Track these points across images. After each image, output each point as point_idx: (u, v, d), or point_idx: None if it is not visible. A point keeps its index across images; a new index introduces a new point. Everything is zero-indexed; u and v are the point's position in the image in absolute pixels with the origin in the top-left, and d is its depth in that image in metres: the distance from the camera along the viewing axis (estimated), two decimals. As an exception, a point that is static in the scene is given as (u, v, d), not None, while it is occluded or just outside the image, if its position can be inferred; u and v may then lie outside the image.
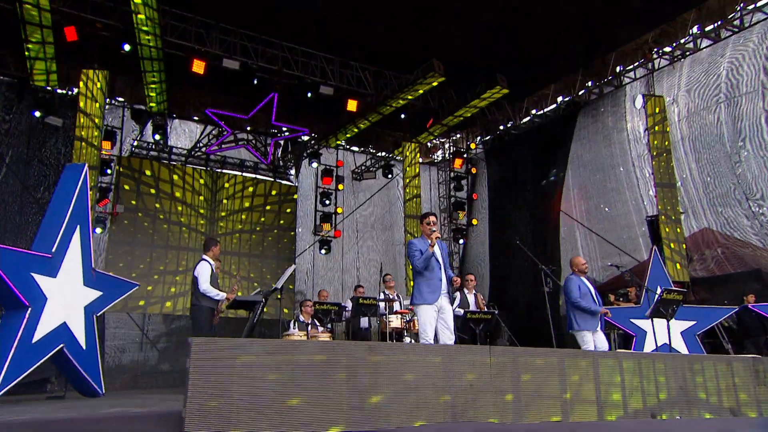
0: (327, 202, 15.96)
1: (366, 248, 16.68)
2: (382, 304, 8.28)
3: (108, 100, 13.73)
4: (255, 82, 12.36)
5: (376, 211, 17.08)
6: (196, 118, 14.79)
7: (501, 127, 16.42)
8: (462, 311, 7.81)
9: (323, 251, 15.64)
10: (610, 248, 13.44)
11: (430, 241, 5.10)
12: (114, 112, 13.96)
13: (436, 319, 5.06)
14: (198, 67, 11.81)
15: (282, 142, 16.02)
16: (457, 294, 8.14)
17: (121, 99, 13.90)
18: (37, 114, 12.03)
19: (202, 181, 14.88)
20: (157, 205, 14.21)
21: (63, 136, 12.90)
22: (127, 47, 11.09)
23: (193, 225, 14.46)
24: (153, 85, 12.51)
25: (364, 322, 8.71)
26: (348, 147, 17.21)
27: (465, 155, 17.04)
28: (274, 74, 12.73)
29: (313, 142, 15.76)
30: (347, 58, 13.47)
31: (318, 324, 8.24)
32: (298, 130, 14.84)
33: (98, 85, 11.41)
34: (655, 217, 11.81)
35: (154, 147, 14.43)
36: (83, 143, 11.29)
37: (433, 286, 5.04)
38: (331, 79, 13.22)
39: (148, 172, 14.26)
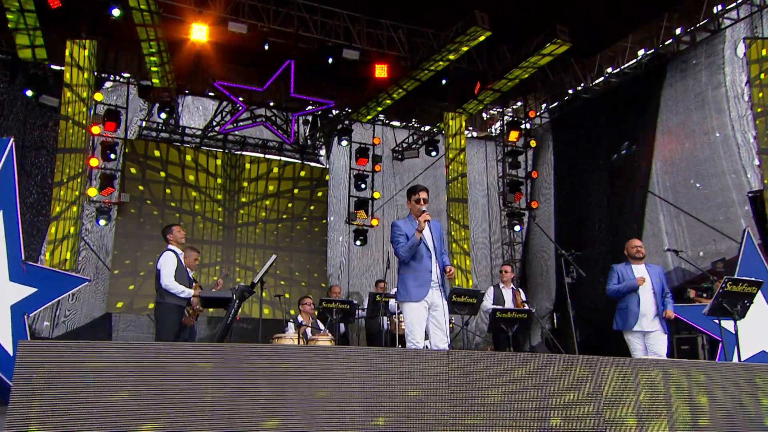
0: (362, 186, 15.18)
1: None
2: (392, 302, 7.85)
3: (113, 76, 13.43)
4: (266, 47, 11.52)
5: None
6: (211, 93, 14.16)
7: (570, 91, 14.91)
8: (491, 307, 7.39)
9: (358, 242, 14.90)
10: (703, 231, 11.83)
11: (417, 224, 4.69)
12: (119, 90, 13.61)
13: (427, 318, 4.71)
14: (199, 33, 11.09)
15: (310, 119, 15.29)
16: (490, 289, 7.72)
17: (126, 75, 13.47)
18: (29, 93, 11.74)
19: (219, 164, 14.44)
20: (168, 191, 13.86)
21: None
22: (116, 12, 10.48)
23: (210, 214, 14.05)
24: (152, 57, 11.91)
25: (385, 323, 8.39)
26: (387, 122, 16.27)
27: (523, 126, 15.62)
28: (288, 38, 11.85)
29: (342, 116, 14.79)
30: (374, 15, 12.42)
31: (321, 325, 7.85)
32: (322, 103, 13.95)
33: (86, 53, 10.88)
34: (759, 192, 10.19)
35: (164, 128, 14.03)
36: (69, 122, 10.82)
37: (421, 278, 4.67)
38: (357, 42, 12.24)
39: (157, 154, 13.89)
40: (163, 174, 13.82)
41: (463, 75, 13.59)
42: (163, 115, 13.09)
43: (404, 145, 16.35)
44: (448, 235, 13.77)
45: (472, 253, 15.50)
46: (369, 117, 14.88)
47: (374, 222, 15.02)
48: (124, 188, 13.17)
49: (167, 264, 6.28)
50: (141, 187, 13.59)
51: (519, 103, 16.64)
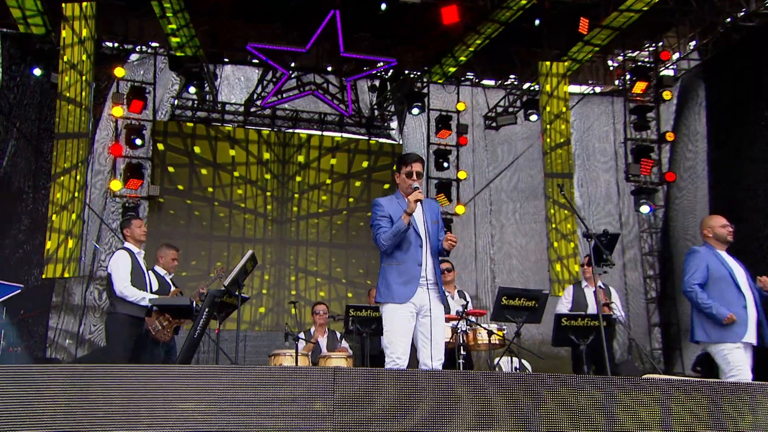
0: (445, 164, 13.71)
1: (505, 228, 14.08)
2: None
3: (139, 47, 12.70)
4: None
5: (519, 172, 14.19)
6: (255, 61, 13.10)
7: (727, 20, 12.23)
8: (565, 313, 6.73)
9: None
10: None
11: (407, 204, 4.33)
12: (146, 63, 12.94)
13: (414, 328, 4.35)
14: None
15: (378, 84, 14.05)
16: (568, 289, 7.28)
17: (155, 44, 12.76)
18: (38, 72, 11.33)
19: (267, 145, 13.65)
20: (206, 181, 13.14)
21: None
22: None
23: (257, 206, 13.29)
24: (169, 15, 10.94)
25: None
26: (477, 81, 14.53)
27: (665, 72, 13.22)
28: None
29: (414, 78, 13.34)
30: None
31: (341, 338, 7.47)
32: (381, 62, 12.53)
33: (86, 14, 10.28)
34: None
35: (200, 105, 13.31)
36: (69, 104, 10.28)
37: (407, 273, 4.32)
38: (415, -22, 10.61)
39: (193, 137, 13.19)
40: (201, 163, 13.19)
41: (563, 10, 11.45)
42: (192, 90, 12.29)
43: (497, 110, 14.45)
44: (547, 222, 11.83)
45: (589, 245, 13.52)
46: (442, 78, 13.36)
47: (460, 209, 13.56)
48: (153, 179, 12.58)
49: (119, 266, 6.03)
50: (174, 177, 12.99)
51: (650, 47, 14.03)
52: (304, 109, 13.84)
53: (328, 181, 13.73)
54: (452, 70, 13.07)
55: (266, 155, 13.52)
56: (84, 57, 10.48)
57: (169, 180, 12.89)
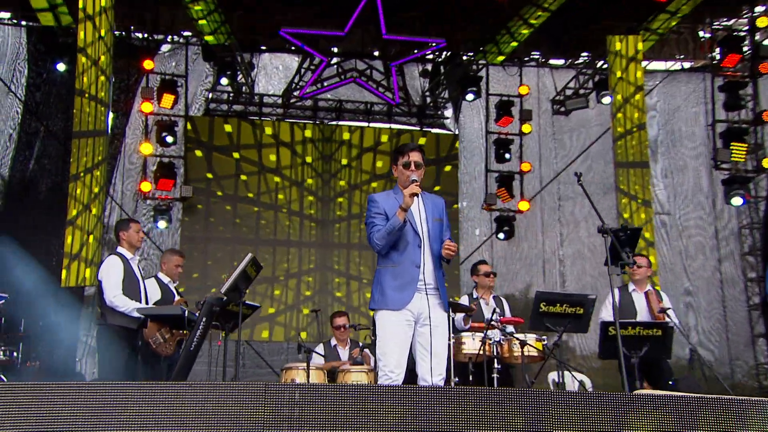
0: (507, 155, 13.03)
1: (576, 227, 13.22)
2: (458, 317, 6.77)
3: (170, 37, 12.55)
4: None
5: (592, 162, 13.30)
6: (294, 48, 12.67)
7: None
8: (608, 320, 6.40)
9: (501, 235, 12.91)
10: None
11: (403, 198, 4.15)
12: (178, 54, 12.67)
13: (411, 339, 4.20)
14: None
15: (430, 69, 13.48)
16: (615, 293, 6.28)
17: (187, 33, 12.52)
18: (61, 67, 11.21)
19: (309, 140, 13.25)
20: (243, 179, 12.85)
21: (117, 98, 11.97)
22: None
23: (299, 207, 13.01)
24: (196, 6, 10.59)
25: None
26: (543, 60, 13.70)
27: (748, 44, 11.95)
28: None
29: (469, 60, 12.72)
30: None
31: (361, 350, 7.10)
32: (428, 44, 11.88)
33: (105, 3, 9.92)
34: None
35: (235, 98, 13.07)
36: (86, 99, 9.88)
37: (403, 276, 4.17)
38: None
39: (228, 129, 12.93)
40: (236, 155, 12.84)
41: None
42: (225, 81, 11.94)
43: (567, 92, 13.58)
44: (619, 218, 11.07)
45: (678, 244, 12.51)
46: (500, 58, 12.53)
47: (524, 205, 12.85)
48: (187, 179, 12.34)
49: (111, 272, 5.94)
50: (209, 176, 12.71)
51: (750, 13, 12.63)
52: (349, 99, 13.41)
53: (375, 184, 13.28)
54: (512, 47, 12.28)
55: (308, 152, 13.18)
56: (102, 49, 10.11)
57: (204, 179, 12.66)
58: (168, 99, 11.87)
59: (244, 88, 12.80)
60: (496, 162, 13.11)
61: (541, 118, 13.59)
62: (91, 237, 9.84)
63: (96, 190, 9.92)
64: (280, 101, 13.20)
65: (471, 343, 6.37)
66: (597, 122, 13.44)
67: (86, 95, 9.93)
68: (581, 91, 13.42)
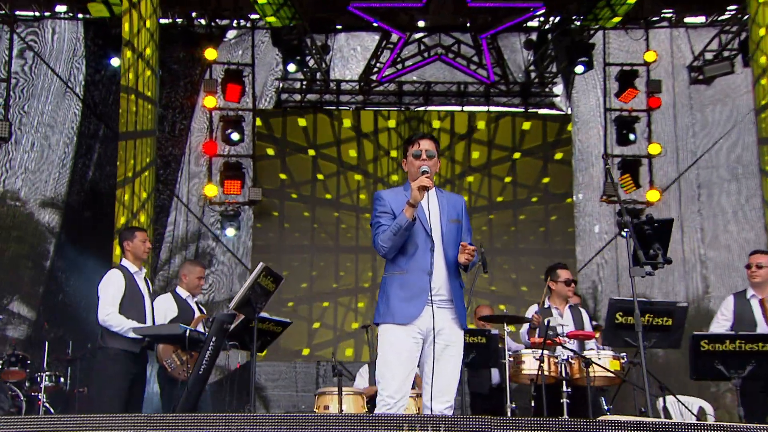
0: (631, 136, 12.13)
1: (723, 220, 11.96)
2: (523, 330, 6.85)
3: (236, 22, 12.26)
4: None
5: (741, 141, 11.99)
6: (376, 24, 12.15)
7: None
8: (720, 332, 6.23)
9: (626, 232, 11.35)
10: None
11: (411, 192, 4.01)
12: (244, 42, 12.41)
13: (418, 359, 4.10)
14: None
15: (535, 39, 12.50)
16: (730, 300, 6.64)
17: (254, 16, 12.20)
18: (116, 62, 11.11)
19: (393, 130, 12.76)
20: (321, 179, 12.43)
21: (180, 93, 12.09)
22: None
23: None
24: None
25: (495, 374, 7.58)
26: (676, 19, 12.43)
27: None
28: None
29: (579, 26, 11.68)
30: None
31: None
32: (522, 10, 11.10)
33: None
34: None
35: (309, 86, 12.72)
36: (132, 97, 9.68)
37: (411, 285, 4.05)
38: None
39: (303, 124, 12.61)
40: (312, 152, 12.55)
41: None
42: (292, 68, 11.54)
43: (707, 55, 12.26)
44: (765, 207, 9.73)
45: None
46: (616, 18, 11.47)
47: (653, 195, 12.00)
48: (257, 181, 12.11)
49: (108, 287, 5.88)
50: (282, 177, 12.45)
51: None
52: (438, 80, 12.79)
53: (470, 178, 12.66)
54: (623, 9, 11.14)
55: (393, 143, 12.76)
56: (146, 39, 9.93)
57: (276, 180, 12.44)
58: (233, 91, 11.78)
59: (318, 75, 12.41)
60: (618, 145, 12.37)
61: (674, 89, 12.51)
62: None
63: (144, 195, 9.80)
64: (357, 87, 12.79)
65: (532, 362, 6.07)
66: (746, 90, 11.96)
67: (132, 93, 9.79)
68: (725, 54, 12.07)
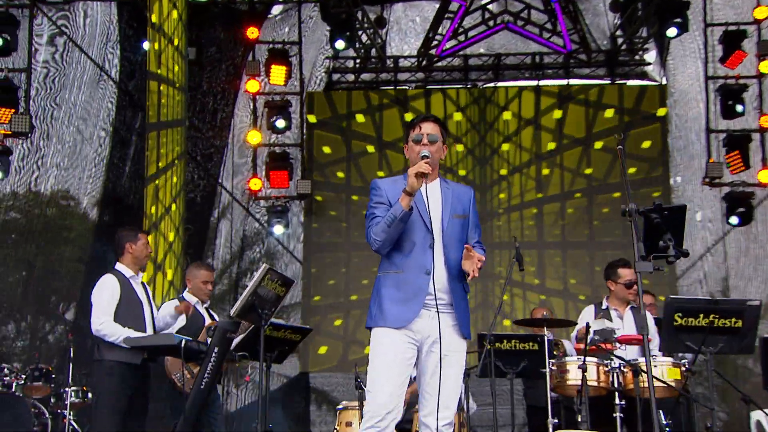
0: (739, 107, 11.20)
1: None
2: (568, 344, 6.79)
3: None
4: None
5: None
6: None
7: None
8: None
9: (735, 219, 11.36)
10: None
11: (408, 180, 3.92)
12: (290, 18, 12.02)
13: (413, 367, 4.06)
14: None
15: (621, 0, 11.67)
16: None
17: None
18: (147, 46, 10.78)
19: (459, 110, 12.23)
20: (381, 174, 12.05)
21: (222, 78, 11.85)
22: None
23: None
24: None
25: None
26: None
27: None
28: None
29: None
30: None
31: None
32: None
33: None
34: None
35: (364, 65, 12.25)
36: (160, 85, 9.54)
37: (407, 286, 3.96)
38: None
39: (357, 106, 12.19)
40: (371, 147, 12.09)
41: None
42: (340, 44, 11.01)
43: None
44: None
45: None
46: None
47: (765, 176, 11.13)
48: (306, 173, 11.80)
49: (102, 294, 5.79)
50: (339, 174, 12.11)
51: None
52: (508, 52, 12.21)
53: (550, 156, 12.13)
54: None
55: (461, 127, 12.23)
56: (174, 20, 9.80)
57: (328, 171, 12.14)
58: (278, 73, 11.34)
59: (373, 51, 11.97)
60: (722, 118, 11.59)
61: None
62: (175, 244, 9.83)
63: (176, 190, 9.79)
64: (417, 64, 12.28)
65: (577, 372, 5.79)
66: None
67: (161, 81, 9.75)
68: None
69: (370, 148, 12.03)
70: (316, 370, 11.58)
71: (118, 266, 6.00)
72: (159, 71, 9.72)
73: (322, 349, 11.64)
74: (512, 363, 6.13)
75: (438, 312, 3.91)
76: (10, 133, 9.61)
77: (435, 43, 11.96)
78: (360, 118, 12.06)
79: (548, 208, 12.08)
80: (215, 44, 11.54)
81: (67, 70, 11.18)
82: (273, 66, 11.25)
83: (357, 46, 11.66)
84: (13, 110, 9.63)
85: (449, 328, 4.01)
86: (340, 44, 11.03)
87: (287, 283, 5.53)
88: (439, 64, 12.17)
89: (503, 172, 12.21)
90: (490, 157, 12.19)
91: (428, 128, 4.10)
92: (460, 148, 12.16)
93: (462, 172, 12.11)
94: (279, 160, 11.39)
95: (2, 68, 10.12)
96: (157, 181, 9.57)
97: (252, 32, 11.11)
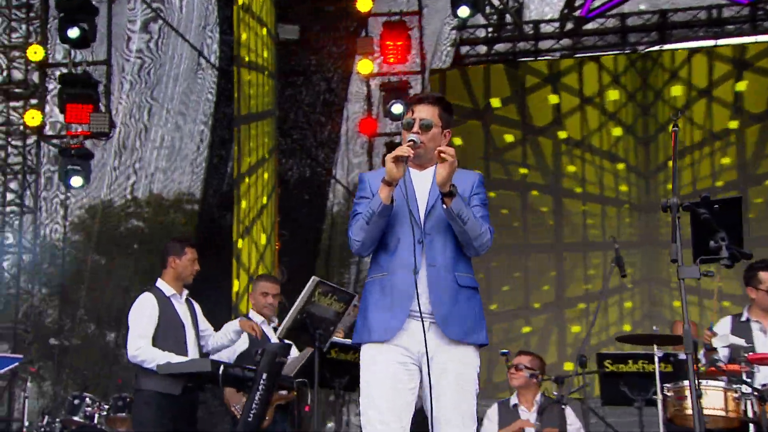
0: None
1: None
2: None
3: None
4: None
5: None
6: None
7: None
8: None
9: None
10: None
11: (386, 168, 3.76)
12: None
13: (413, 392, 3.83)
14: None
15: None
16: None
17: None
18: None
19: (616, 81, 11.48)
20: (520, 170, 11.62)
21: (331, 59, 11.51)
22: None
23: (614, 191, 11.71)
24: None
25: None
26: None
27: None
28: None
29: None
30: None
31: (543, 406, 6.42)
32: None
33: None
34: None
35: (497, 34, 11.76)
36: (247, 71, 9.09)
37: (392, 289, 3.74)
38: None
39: (493, 82, 11.66)
40: (513, 133, 11.47)
41: None
42: (464, 12, 10.26)
43: None
44: None
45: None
46: None
47: None
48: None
49: (139, 316, 5.70)
50: (463, 156, 11.07)
51: None
52: (676, 7, 11.38)
53: (728, 134, 11.08)
54: None
55: (619, 102, 11.45)
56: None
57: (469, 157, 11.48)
58: (395, 50, 11.05)
59: (507, 17, 11.30)
60: None
61: None
62: (268, 249, 9.79)
63: (268, 189, 9.43)
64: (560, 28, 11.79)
65: (712, 397, 5.38)
66: None
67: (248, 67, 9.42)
68: None
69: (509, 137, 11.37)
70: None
71: (159, 283, 5.81)
72: (248, 58, 9.35)
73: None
74: (647, 388, 5.85)
75: (422, 316, 3.57)
76: (89, 133, 9.27)
77: (579, 2, 11.14)
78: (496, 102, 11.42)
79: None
80: (321, 20, 11.14)
81: (163, 60, 10.98)
82: (389, 42, 10.97)
83: (488, 12, 11.03)
84: (92, 107, 9.24)
85: (442, 338, 3.72)
86: (463, 11, 10.36)
87: (346, 297, 5.27)
88: (589, 26, 11.31)
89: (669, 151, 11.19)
90: (653, 137, 11.17)
91: (422, 112, 3.78)
92: (617, 131, 11.22)
93: (620, 160, 11.20)
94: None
95: (80, 62, 9.75)
96: (247, 179, 9.25)
97: (364, 4, 10.49)
